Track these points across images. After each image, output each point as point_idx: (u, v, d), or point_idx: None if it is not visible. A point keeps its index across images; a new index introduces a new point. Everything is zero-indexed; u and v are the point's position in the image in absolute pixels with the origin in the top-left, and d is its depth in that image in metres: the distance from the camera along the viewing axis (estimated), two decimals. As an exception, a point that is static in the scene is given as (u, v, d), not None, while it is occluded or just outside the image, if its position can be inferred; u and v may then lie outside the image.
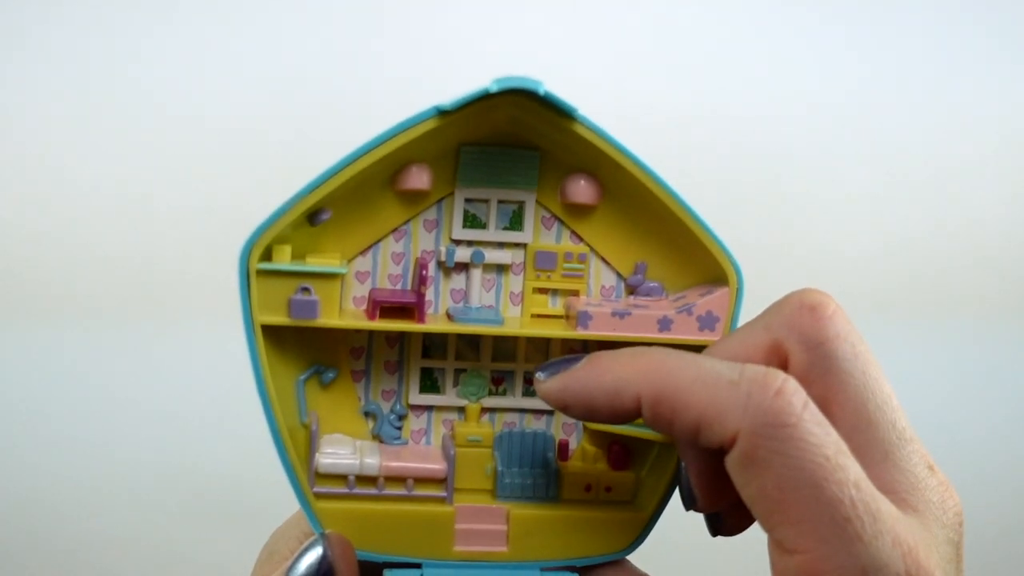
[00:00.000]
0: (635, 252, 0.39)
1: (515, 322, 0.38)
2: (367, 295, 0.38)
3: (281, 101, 0.92)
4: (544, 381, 0.34)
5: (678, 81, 0.99)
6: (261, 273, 0.35)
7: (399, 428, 0.39)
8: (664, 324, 0.37)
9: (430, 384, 0.39)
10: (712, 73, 0.99)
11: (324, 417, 0.38)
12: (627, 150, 0.36)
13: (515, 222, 0.38)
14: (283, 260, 0.35)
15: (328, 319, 0.36)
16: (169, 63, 0.92)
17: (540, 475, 0.39)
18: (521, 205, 0.38)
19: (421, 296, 0.37)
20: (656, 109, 0.96)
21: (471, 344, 0.39)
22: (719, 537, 0.36)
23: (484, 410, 0.40)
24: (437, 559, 0.38)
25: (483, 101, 0.34)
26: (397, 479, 0.38)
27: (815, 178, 1.02)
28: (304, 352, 0.38)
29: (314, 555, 0.35)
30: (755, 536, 0.33)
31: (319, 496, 0.37)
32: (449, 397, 0.39)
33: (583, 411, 0.33)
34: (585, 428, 0.40)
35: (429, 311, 0.38)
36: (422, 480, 0.38)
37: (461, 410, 0.40)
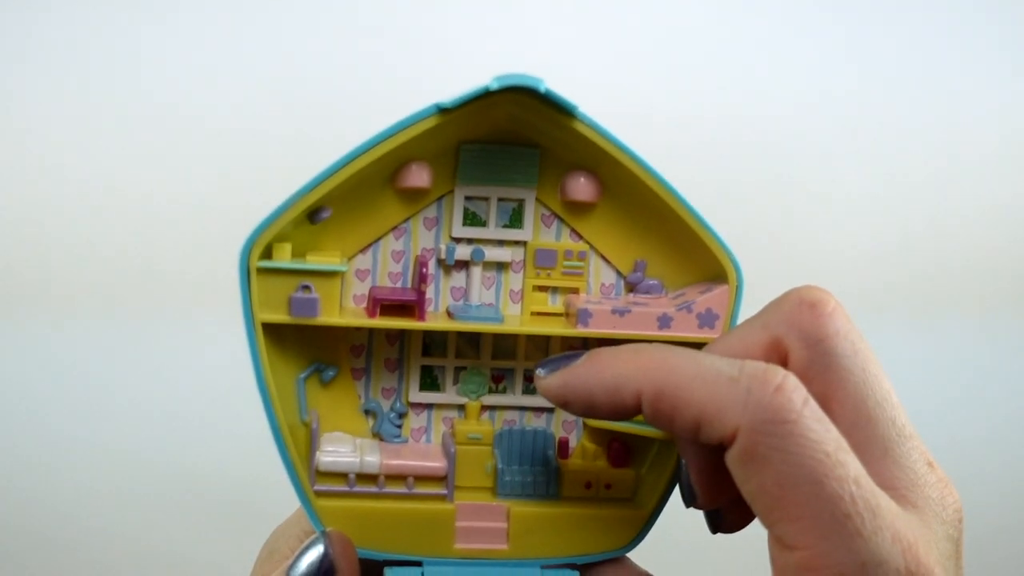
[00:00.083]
0: (635, 250, 0.39)
1: (515, 320, 0.38)
2: (367, 293, 0.38)
3: (281, 100, 0.92)
4: (544, 377, 0.34)
5: (678, 79, 0.99)
6: (261, 271, 0.35)
7: (399, 426, 0.39)
8: (664, 322, 0.37)
9: (430, 382, 0.39)
10: (712, 71, 0.99)
11: (324, 415, 0.38)
12: (627, 148, 0.36)
13: (515, 220, 0.38)
14: (283, 258, 0.35)
15: (328, 317, 0.36)
16: (169, 62, 0.92)
17: (540, 473, 0.39)
18: (521, 203, 0.38)
19: (421, 294, 0.37)
20: (656, 107, 0.96)
21: (471, 342, 0.40)
22: (719, 534, 0.36)
23: (484, 408, 0.40)
24: (438, 557, 0.38)
25: (483, 99, 0.34)
26: (397, 477, 0.38)
27: (815, 176, 1.02)
28: (304, 350, 0.38)
29: (315, 553, 0.35)
30: (755, 533, 0.33)
31: (320, 494, 0.37)
32: (449, 395, 0.40)
33: (583, 407, 0.33)
34: (585, 426, 0.40)
35: (429, 309, 0.38)
36: (422, 478, 0.38)
37: (461, 408, 0.40)
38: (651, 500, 0.39)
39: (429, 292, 0.38)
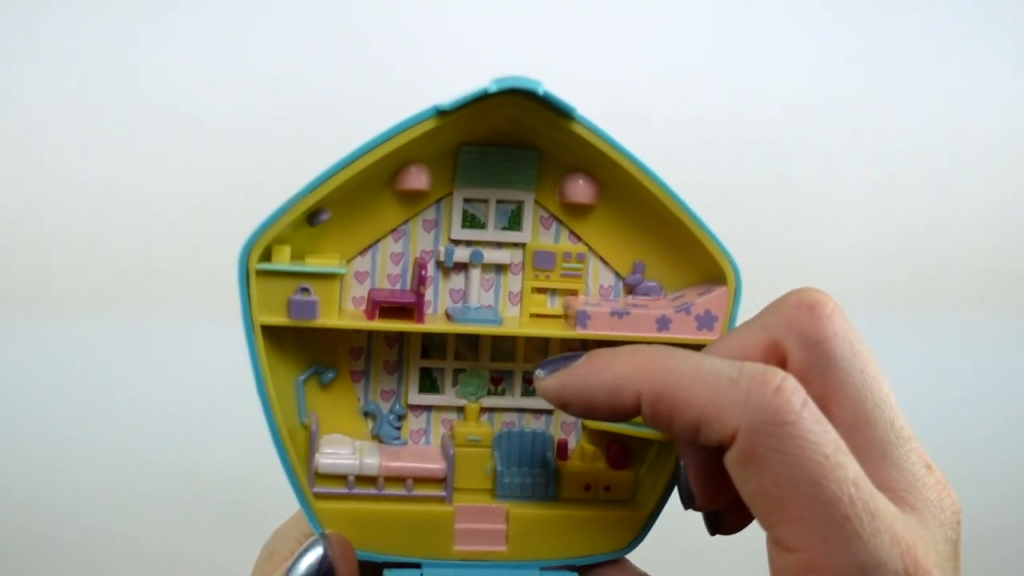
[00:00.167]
0: (633, 251, 0.39)
1: (514, 322, 0.38)
2: (366, 295, 0.38)
3: (281, 101, 0.92)
4: (544, 378, 0.34)
5: (678, 79, 0.99)
6: (261, 273, 0.35)
7: (398, 428, 0.39)
8: (663, 323, 0.37)
9: (429, 384, 0.40)
10: (712, 71, 0.99)
11: (324, 417, 0.38)
12: (625, 150, 0.36)
13: (514, 222, 0.38)
14: (282, 260, 0.35)
15: (327, 319, 0.36)
16: (169, 62, 0.92)
17: (539, 474, 0.39)
18: (520, 205, 0.38)
19: (420, 296, 0.37)
20: (655, 107, 0.96)
21: (470, 344, 0.40)
22: (718, 536, 0.36)
23: (483, 410, 0.40)
24: (437, 559, 0.38)
25: (482, 101, 0.34)
26: (397, 479, 0.38)
27: (815, 176, 1.02)
28: (303, 352, 0.38)
29: (314, 555, 0.35)
30: (754, 534, 0.33)
31: (319, 496, 0.37)
32: (448, 397, 0.40)
33: (582, 409, 0.33)
34: (584, 427, 0.40)
35: (428, 311, 0.38)
36: (421, 480, 0.38)
37: (460, 410, 0.40)
38: (650, 502, 0.39)
39: (428, 294, 0.38)
